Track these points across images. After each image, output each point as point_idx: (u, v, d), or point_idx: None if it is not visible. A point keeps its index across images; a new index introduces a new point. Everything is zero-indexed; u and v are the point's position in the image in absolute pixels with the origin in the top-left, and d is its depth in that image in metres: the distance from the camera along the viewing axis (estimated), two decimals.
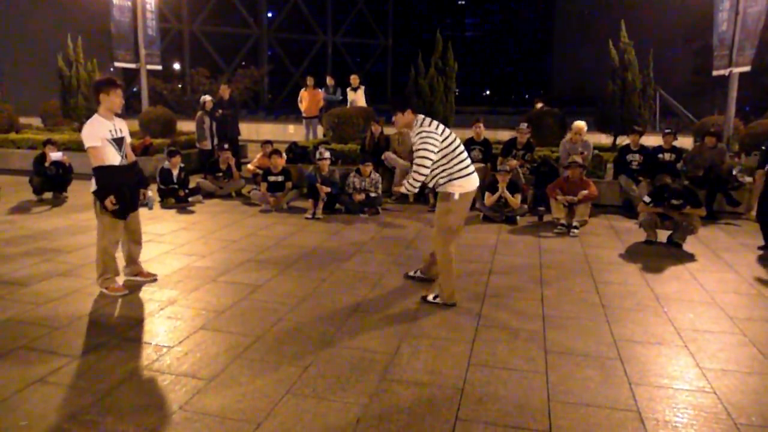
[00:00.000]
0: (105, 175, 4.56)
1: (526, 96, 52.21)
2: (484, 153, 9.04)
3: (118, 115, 4.78)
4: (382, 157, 9.05)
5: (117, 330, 4.10)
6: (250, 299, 4.71)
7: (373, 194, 8.11)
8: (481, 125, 9.13)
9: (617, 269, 5.69)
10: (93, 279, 5.00)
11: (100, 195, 4.58)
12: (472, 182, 4.56)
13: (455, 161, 4.48)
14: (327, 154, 8.33)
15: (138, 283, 4.98)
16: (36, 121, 14.92)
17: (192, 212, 8.07)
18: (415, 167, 4.46)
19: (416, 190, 4.67)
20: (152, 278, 5.09)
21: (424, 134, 4.41)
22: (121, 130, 4.67)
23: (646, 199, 6.62)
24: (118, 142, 4.62)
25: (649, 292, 4.99)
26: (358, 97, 12.95)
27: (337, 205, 8.14)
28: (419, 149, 4.42)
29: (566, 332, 4.10)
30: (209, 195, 8.99)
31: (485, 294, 4.88)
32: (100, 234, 4.73)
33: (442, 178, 4.50)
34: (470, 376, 3.43)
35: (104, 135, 4.52)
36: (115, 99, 4.58)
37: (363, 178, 8.19)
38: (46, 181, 8.62)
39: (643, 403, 3.13)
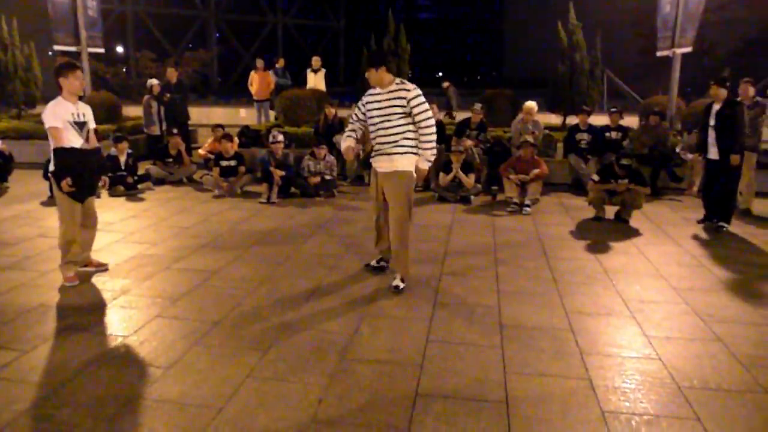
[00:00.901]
0: (64, 157, 4.48)
1: (478, 78, 52.63)
2: (438, 134, 9.09)
3: (81, 99, 4.73)
4: (334, 139, 8.99)
5: (69, 321, 3.98)
6: (206, 285, 4.65)
7: (328, 177, 8.08)
8: (435, 107, 9.18)
9: (568, 245, 5.88)
10: (40, 271, 4.86)
11: (57, 176, 4.49)
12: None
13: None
14: (281, 138, 8.24)
15: (88, 273, 4.84)
16: None
17: (142, 199, 7.86)
18: (425, 128, 4.30)
19: (394, 166, 4.39)
20: (103, 268, 4.96)
21: (420, 95, 4.28)
22: (84, 114, 4.61)
23: (595, 177, 6.84)
24: (80, 125, 4.57)
25: (598, 266, 5.19)
26: (318, 80, 12.74)
27: (293, 189, 8.08)
28: (423, 110, 4.28)
29: (520, 307, 4.23)
30: (159, 181, 8.76)
31: (441, 273, 4.96)
32: (62, 218, 4.63)
33: (405, 146, 4.36)
34: (429, 352, 3.50)
35: (66, 117, 4.46)
36: (74, 81, 4.52)
37: (318, 161, 8.14)
38: None
39: (594, 372, 3.28)
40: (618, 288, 4.64)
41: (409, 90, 4.30)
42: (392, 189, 4.48)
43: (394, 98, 4.32)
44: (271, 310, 4.13)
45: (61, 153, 4.48)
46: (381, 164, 4.50)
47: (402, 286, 4.52)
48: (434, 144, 4.38)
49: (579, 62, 11.05)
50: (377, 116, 4.41)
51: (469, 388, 3.09)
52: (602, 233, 6.31)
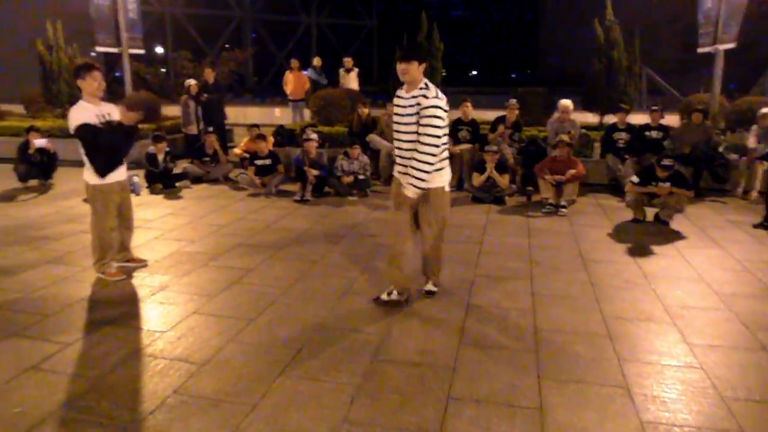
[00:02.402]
0: (88, 132, 4.40)
1: (513, 76, 52.01)
2: (472, 133, 9.03)
3: (108, 101, 4.72)
4: (367, 139, 9.00)
5: (109, 316, 4.08)
6: (242, 283, 4.70)
7: (361, 176, 8.09)
8: (469, 104, 9.10)
9: (606, 248, 5.75)
10: (82, 266, 4.98)
11: (90, 153, 4.45)
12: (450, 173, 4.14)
13: (444, 147, 3.97)
14: (314, 136, 8.28)
15: (129, 269, 4.96)
16: (18, 108, 14.64)
17: (180, 197, 8.01)
18: (422, 145, 3.74)
19: (425, 183, 3.87)
20: (142, 263, 5.07)
21: (435, 105, 3.71)
22: (109, 114, 4.57)
23: (634, 179, 6.67)
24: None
25: (638, 269, 5.06)
26: (350, 80, 12.78)
27: (326, 188, 8.12)
28: (429, 123, 3.71)
29: (556, 311, 4.15)
30: (197, 180, 8.92)
31: (475, 275, 4.91)
32: (93, 220, 4.70)
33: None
34: (461, 355, 3.47)
35: (90, 120, 4.42)
36: (92, 83, 4.45)
37: (351, 161, 8.16)
38: (31, 169, 8.51)
39: (632, 379, 3.19)
40: (658, 293, 4.51)
41: (427, 97, 3.74)
42: (424, 210, 4.08)
43: (415, 104, 3.80)
44: (305, 309, 4.16)
45: (85, 129, 4.36)
46: (403, 181, 3.99)
47: (435, 290, 4.45)
48: (423, 172, 3.78)
49: (616, 59, 10.79)
50: (397, 123, 3.95)
51: (502, 393, 3.05)
52: (642, 236, 6.16)
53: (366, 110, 9.49)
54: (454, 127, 9.08)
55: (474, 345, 3.61)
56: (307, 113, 13.03)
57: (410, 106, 3.83)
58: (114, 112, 4.63)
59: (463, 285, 4.65)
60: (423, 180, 3.84)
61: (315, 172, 7.88)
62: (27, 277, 4.81)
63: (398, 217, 4.08)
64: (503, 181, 7.65)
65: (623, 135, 8.51)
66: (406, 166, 3.93)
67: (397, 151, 4.06)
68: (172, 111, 13.27)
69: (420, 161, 3.80)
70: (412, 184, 3.86)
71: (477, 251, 5.57)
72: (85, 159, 4.54)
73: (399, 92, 4.01)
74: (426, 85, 3.84)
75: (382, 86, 14.83)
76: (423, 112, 3.74)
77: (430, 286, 4.45)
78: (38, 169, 8.52)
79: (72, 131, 4.45)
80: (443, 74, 11.62)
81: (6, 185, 8.49)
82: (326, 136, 9.85)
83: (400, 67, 3.83)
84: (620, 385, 3.13)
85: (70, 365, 3.35)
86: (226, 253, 5.49)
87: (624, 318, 4.03)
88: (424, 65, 3.91)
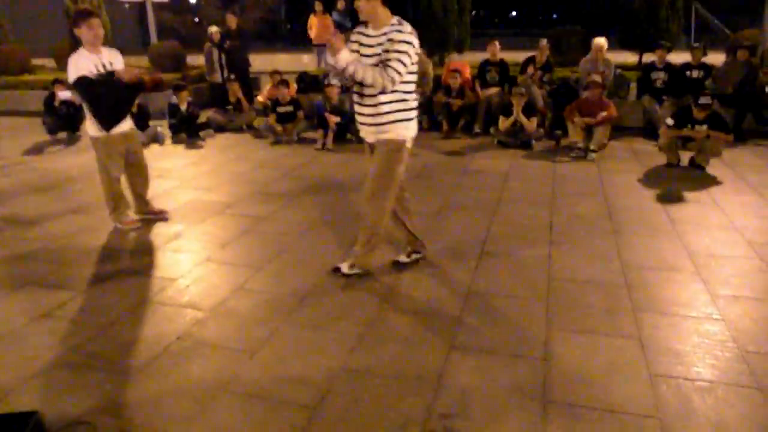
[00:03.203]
0: (84, 85, 4.29)
1: (554, 16, 49.41)
2: (500, 74, 8.66)
3: (117, 48, 4.62)
4: None
5: (123, 264, 4.15)
6: (255, 231, 4.70)
7: None
8: (497, 43, 8.69)
9: (634, 194, 5.49)
10: (102, 216, 5.04)
11: (90, 106, 4.37)
12: (415, 128, 3.64)
13: (412, 93, 3.52)
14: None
15: (149, 221, 4.97)
16: (50, 62, 14.80)
17: (202, 147, 8.01)
18: (387, 68, 3.26)
19: (345, 76, 3.36)
20: (162, 216, 5.03)
21: (407, 42, 3.30)
22: (111, 63, 4.43)
23: (669, 121, 6.29)
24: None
25: (665, 216, 4.82)
26: None
27: (348, 135, 7.97)
28: (395, 58, 3.26)
29: (573, 259, 4.00)
30: (220, 128, 8.88)
31: (491, 222, 4.77)
32: (101, 170, 4.71)
33: (393, 112, 3.45)
34: (469, 303, 3.39)
35: (89, 69, 4.28)
36: (89, 31, 4.29)
37: None
38: (59, 121, 8.60)
39: (646, 331, 3.06)
40: (684, 241, 4.29)
41: (401, 32, 3.30)
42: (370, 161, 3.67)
43: (385, 41, 3.32)
44: (316, 258, 4.12)
45: (81, 83, 4.25)
46: (367, 134, 3.64)
47: (344, 270, 3.79)
48: (371, 80, 3.24)
49: None
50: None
51: (507, 343, 2.96)
52: (674, 181, 5.85)
53: None
54: (482, 68, 8.74)
55: (483, 293, 3.52)
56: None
57: (378, 44, 3.35)
58: (117, 60, 4.51)
59: (479, 233, 4.52)
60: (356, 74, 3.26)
61: (336, 118, 7.73)
62: (49, 227, 4.91)
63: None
64: (530, 124, 7.35)
65: (661, 75, 8.01)
66: (373, 124, 3.49)
67: (356, 98, 3.52)
68: (200, 60, 13.18)
69: (375, 74, 3.24)
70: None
71: (497, 199, 5.40)
72: (86, 111, 4.50)
73: (363, 29, 3.47)
74: (399, 22, 3.37)
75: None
76: (391, 46, 3.28)
77: (343, 264, 3.79)
78: (65, 121, 8.61)
79: (70, 82, 4.37)
80: (472, 14, 11.12)
81: (36, 138, 8.64)
82: None
83: (357, 4, 3.34)
84: (632, 336, 3.01)
85: (81, 313, 3.42)
86: (242, 201, 5.48)
87: (645, 267, 3.85)
88: (386, 7, 3.35)
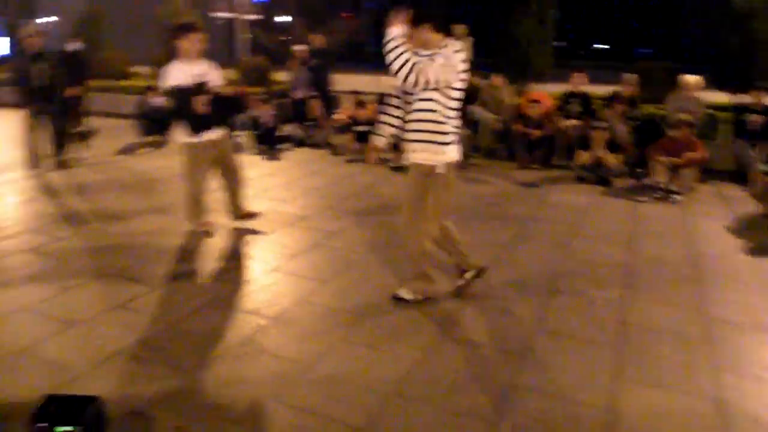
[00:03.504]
0: (177, 93, 4.51)
1: (641, 51, 47.70)
2: (582, 107, 8.42)
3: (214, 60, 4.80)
4: (468, 110, 8.67)
5: (196, 265, 4.31)
6: (324, 245, 4.76)
7: None
8: (582, 75, 8.47)
9: (721, 241, 5.14)
10: (181, 217, 5.25)
11: (179, 113, 4.56)
12: (452, 155, 3.45)
13: (452, 117, 3.39)
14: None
15: (225, 226, 5.08)
16: (145, 70, 15.85)
17: (280, 159, 8.26)
18: (418, 67, 3.17)
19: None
20: (255, 217, 5.13)
21: (458, 51, 3.28)
22: (206, 75, 4.62)
23: (763, 167, 5.88)
24: None
25: (757, 269, 4.47)
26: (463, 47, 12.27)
27: None
28: (432, 66, 3.19)
29: (648, 304, 3.77)
30: (299, 143, 9.14)
31: (563, 258, 4.60)
32: (185, 174, 4.87)
33: (424, 131, 3.34)
34: (533, 342, 3.25)
35: (182, 78, 4.49)
36: (190, 43, 4.53)
37: None
38: (150, 125, 9.14)
39: (729, 393, 2.81)
40: None
41: (447, 46, 3.27)
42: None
43: (435, 56, 3.26)
44: (380, 277, 4.11)
45: (173, 92, 4.47)
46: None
47: (403, 296, 3.71)
48: (399, 58, 3.15)
49: (756, 31, 9.50)
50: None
51: (569, 387, 2.81)
52: (766, 232, 5.44)
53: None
54: (565, 99, 8.54)
55: (550, 333, 3.37)
56: None
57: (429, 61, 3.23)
58: (213, 73, 4.70)
59: (549, 268, 4.37)
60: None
61: None
62: (132, 223, 5.19)
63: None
64: (612, 160, 7.07)
65: (757, 117, 7.52)
66: (420, 141, 3.36)
67: (409, 119, 3.42)
68: (284, 75, 13.69)
69: (394, 60, 3.15)
70: None
71: (571, 234, 5.21)
72: (176, 117, 4.70)
73: (455, 53, 3.33)
74: (447, 45, 3.31)
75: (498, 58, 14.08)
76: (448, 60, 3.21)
77: (401, 290, 3.72)
78: (155, 125, 9.14)
79: (163, 90, 4.61)
80: (553, 44, 10.92)
81: (128, 139, 9.19)
82: None
83: (414, 33, 3.29)
84: (710, 397, 2.78)
85: (152, 308, 3.57)
86: (314, 215, 5.58)
87: (729, 322, 3.57)
88: (439, 32, 3.31)
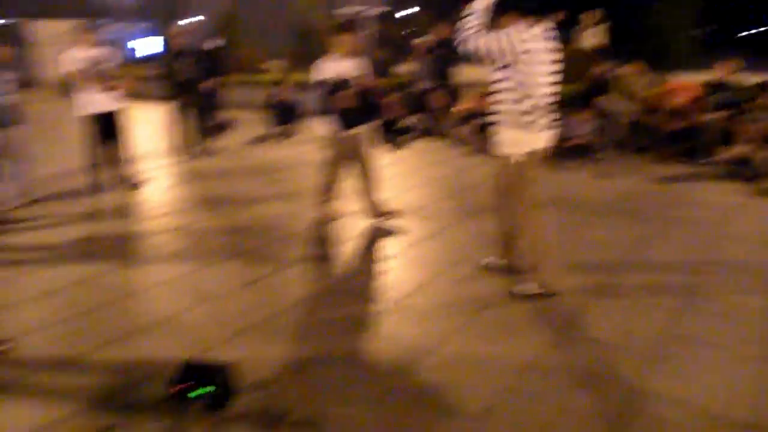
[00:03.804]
0: (323, 88, 4.68)
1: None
2: (730, 98, 7.60)
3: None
4: (597, 101, 8.17)
5: (320, 249, 4.54)
6: (443, 235, 4.77)
7: (583, 141, 7.45)
8: (732, 63, 7.65)
9: None
10: (306, 204, 5.50)
11: (327, 105, 4.73)
12: (527, 143, 3.43)
13: (523, 101, 3.33)
14: None
15: (353, 215, 5.17)
16: (278, 64, 16.79)
17: (402, 149, 8.36)
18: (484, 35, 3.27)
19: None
20: (391, 216, 5.12)
21: (505, 32, 3.27)
22: (355, 69, 4.71)
23: None
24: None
25: None
26: (597, 34, 11.52)
27: None
28: (495, 33, 3.28)
29: None
30: (421, 134, 9.21)
31: (702, 259, 4.20)
32: (325, 165, 4.93)
33: (496, 113, 3.44)
34: (668, 346, 3.01)
35: (330, 75, 4.65)
36: (347, 41, 4.71)
37: (576, 123, 7.55)
38: (278, 117, 9.67)
39: None
40: None
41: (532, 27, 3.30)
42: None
43: (552, 37, 3.43)
44: (496, 271, 4.02)
45: (324, 84, 4.66)
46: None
47: (526, 291, 3.59)
48: (472, 23, 3.28)
49: None
50: (540, 63, 3.36)
51: (708, 398, 2.57)
52: None
53: (600, 69, 8.63)
54: (707, 89, 7.78)
55: (684, 339, 3.10)
56: None
57: (550, 39, 3.35)
58: (362, 68, 4.79)
59: (685, 270, 4.01)
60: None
61: None
62: (262, 207, 5.54)
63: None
64: (762, 155, 6.33)
65: None
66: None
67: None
68: (409, 67, 13.84)
69: (465, 24, 3.35)
70: None
71: (712, 235, 4.75)
72: (320, 111, 4.86)
73: (524, 29, 3.27)
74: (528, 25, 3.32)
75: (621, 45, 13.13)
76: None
77: (523, 284, 3.60)
78: (284, 117, 9.65)
79: (312, 83, 4.83)
80: (703, 31, 9.97)
81: (258, 131, 9.78)
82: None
83: (496, 21, 3.36)
84: None
85: (277, 286, 3.81)
86: (434, 205, 5.60)
87: None
88: (527, 17, 3.31)
